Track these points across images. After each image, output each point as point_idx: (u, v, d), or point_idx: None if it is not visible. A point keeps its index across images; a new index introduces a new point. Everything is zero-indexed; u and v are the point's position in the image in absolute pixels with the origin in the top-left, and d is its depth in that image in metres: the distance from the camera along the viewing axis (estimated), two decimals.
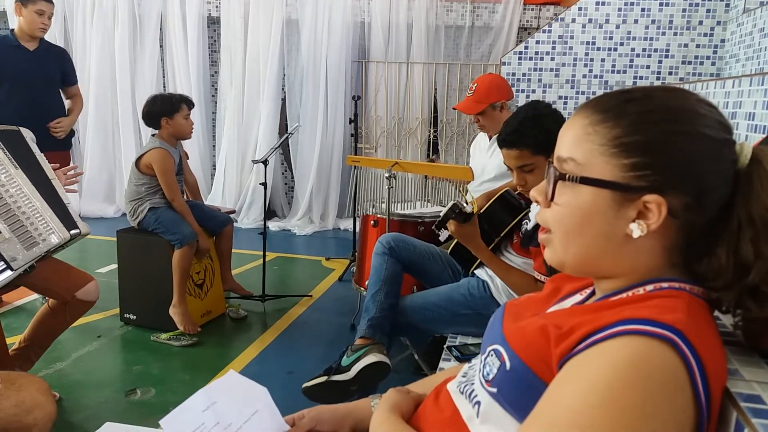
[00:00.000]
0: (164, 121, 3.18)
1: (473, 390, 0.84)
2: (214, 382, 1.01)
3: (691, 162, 0.73)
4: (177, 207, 3.14)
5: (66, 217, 2.11)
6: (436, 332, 2.24)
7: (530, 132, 1.75)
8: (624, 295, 0.77)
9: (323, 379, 2.00)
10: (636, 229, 0.73)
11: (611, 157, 0.75)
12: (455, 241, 2.27)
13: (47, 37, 3.51)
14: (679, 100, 0.76)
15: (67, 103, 3.61)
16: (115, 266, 3.40)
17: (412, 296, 2.20)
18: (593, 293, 0.86)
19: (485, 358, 0.84)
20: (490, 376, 0.80)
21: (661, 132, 0.73)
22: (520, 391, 0.76)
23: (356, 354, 2.01)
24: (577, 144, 0.78)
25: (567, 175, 0.77)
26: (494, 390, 0.79)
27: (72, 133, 3.59)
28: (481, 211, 2.13)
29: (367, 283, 2.25)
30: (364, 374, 1.95)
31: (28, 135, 2.23)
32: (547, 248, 0.83)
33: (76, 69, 3.72)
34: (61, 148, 3.48)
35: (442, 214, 1.97)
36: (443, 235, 2.03)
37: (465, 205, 1.96)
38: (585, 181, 0.76)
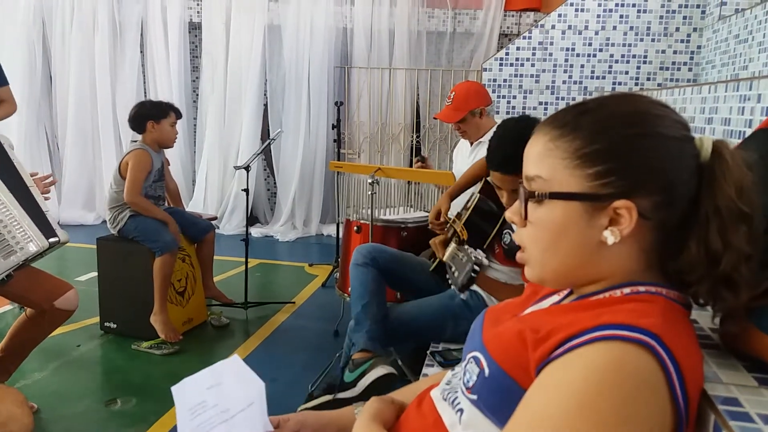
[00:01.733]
0: (150, 124, 3.16)
1: (456, 397, 0.85)
2: (219, 363, 1.01)
3: (654, 162, 0.74)
4: (135, 206, 3.07)
5: (44, 225, 2.08)
6: (430, 341, 2.20)
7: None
8: (601, 296, 0.77)
9: (329, 397, 1.92)
10: (610, 236, 0.74)
11: (575, 168, 0.76)
12: (437, 260, 2.24)
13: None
14: (633, 105, 0.78)
15: None
16: (94, 274, 3.36)
17: (403, 307, 2.15)
18: (571, 292, 0.87)
19: (465, 366, 0.84)
20: (470, 383, 0.80)
21: (619, 137, 0.75)
22: (499, 397, 0.76)
23: (360, 369, 1.93)
24: (541, 161, 0.79)
25: (536, 193, 0.79)
26: (474, 397, 0.79)
27: None
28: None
29: (350, 290, 2.22)
30: (373, 388, 1.87)
31: (6, 141, 2.20)
32: (527, 267, 0.84)
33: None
34: None
35: (460, 275, 1.83)
36: (465, 294, 1.90)
37: (483, 260, 1.86)
38: (554, 195, 0.77)
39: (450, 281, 1.91)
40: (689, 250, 0.75)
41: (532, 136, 0.83)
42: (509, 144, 1.74)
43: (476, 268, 1.84)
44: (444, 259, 1.89)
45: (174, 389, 0.93)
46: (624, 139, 0.75)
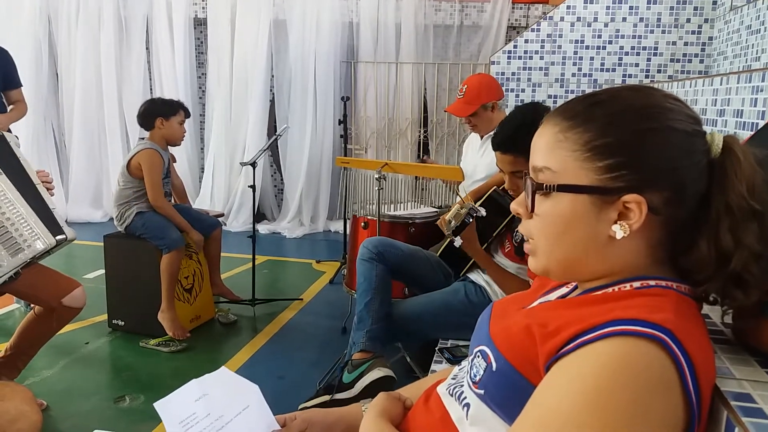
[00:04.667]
0: (159, 121, 3.16)
1: (462, 392, 0.84)
2: (207, 376, 1.01)
3: (665, 157, 0.73)
4: (159, 209, 3.10)
5: (52, 223, 2.08)
6: (434, 337, 2.21)
7: (526, 138, 1.68)
8: (610, 289, 0.76)
9: (326, 398, 1.94)
10: (618, 231, 0.73)
11: (585, 161, 0.75)
12: (445, 243, 2.24)
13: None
14: (646, 98, 0.76)
15: (9, 108, 3.37)
16: (102, 272, 3.37)
17: (406, 303, 2.15)
18: (578, 286, 0.86)
19: (472, 360, 0.84)
20: (477, 378, 0.80)
21: (631, 131, 0.74)
22: (506, 391, 0.76)
23: (358, 370, 1.94)
24: (550, 152, 0.78)
25: (544, 185, 0.77)
26: (481, 391, 0.78)
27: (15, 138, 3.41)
28: None
29: (356, 286, 2.21)
30: (370, 390, 1.89)
31: (12, 140, 2.20)
32: (531, 258, 0.83)
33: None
34: None
35: (454, 219, 1.88)
36: (458, 241, 1.91)
37: (480, 208, 1.91)
38: (562, 188, 0.76)
39: (446, 233, 1.92)
40: (699, 249, 0.74)
41: (540, 126, 0.81)
42: (511, 125, 1.76)
43: (472, 213, 1.87)
44: (446, 217, 1.90)
45: (157, 405, 0.92)
46: (636, 132, 0.73)
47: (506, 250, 2.05)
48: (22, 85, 3.45)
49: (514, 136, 1.72)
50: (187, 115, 3.29)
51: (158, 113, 3.17)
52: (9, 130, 3.29)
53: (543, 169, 0.78)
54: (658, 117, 0.74)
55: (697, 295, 0.77)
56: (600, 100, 0.77)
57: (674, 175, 0.73)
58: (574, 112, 0.77)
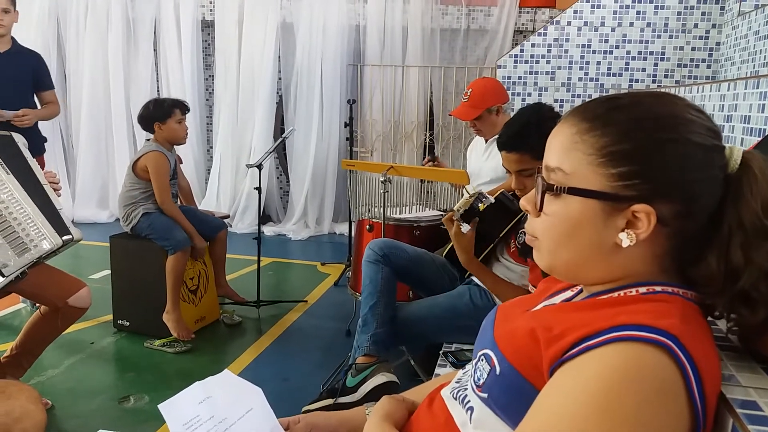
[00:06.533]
0: (157, 126, 3.16)
1: (466, 395, 0.84)
2: (210, 378, 1.01)
3: (680, 170, 0.72)
4: (167, 211, 3.11)
5: (58, 223, 2.09)
6: (438, 341, 2.20)
7: (532, 137, 1.70)
8: (615, 294, 0.76)
9: (329, 401, 1.94)
10: (625, 239, 0.73)
11: (599, 166, 0.74)
12: (450, 245, 2.23)
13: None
14: (667, 107, 0.75)
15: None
16: (108, 272, 3.38)
17: (411, 306, 2.15)
18: (583, 289, 0.86)
19: (476, 363, 0.83)
20: (481, 381, 0.79)
21: (649, 140, 0.73)
22: (510, 395, 0.75)
23: (362, 374, 1.95)
24: (564, 153, 0.77)
25: (555, 186, 0.76)
26: (485, 395, 0.78)
27: (44, 139, 3.45)
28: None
29: (361, 287, 2.21)
30: (373, 395, 1.89)
31: (20, 140, 2.21)
32: (536, 252, 0.82)
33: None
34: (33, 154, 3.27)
35: (462, 206, 1.90)
36: (465, 227, 1.91)
37: (488, 195, 1.93)
38: (573, 191, 0.75)
39: (455, 219, 1.94)
40: (709, 263, 0.73)
41: (557, 125, 0.80)
42: (516, 124, 1.78)
43: (480, 198, 1.90)
44: (455, 207, 1.92)
45: (162, 407, 0.93)
46: (654, 142, 0.72)
47: (511, 250, 2.05)
48: (53, 88, 3.52)
49: (519, 134, 1.74)
50: (185, 111, 3.23)
51: (153, 118, 3.14)
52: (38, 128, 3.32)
53: (555, 170, 0.77)
54: (678, 128, 0.73)
55: (704, 302, 0.76)
56: (621, 104, 0.76)
57: (687, 188, 0.72)
58: (594, 114, 0.76)
